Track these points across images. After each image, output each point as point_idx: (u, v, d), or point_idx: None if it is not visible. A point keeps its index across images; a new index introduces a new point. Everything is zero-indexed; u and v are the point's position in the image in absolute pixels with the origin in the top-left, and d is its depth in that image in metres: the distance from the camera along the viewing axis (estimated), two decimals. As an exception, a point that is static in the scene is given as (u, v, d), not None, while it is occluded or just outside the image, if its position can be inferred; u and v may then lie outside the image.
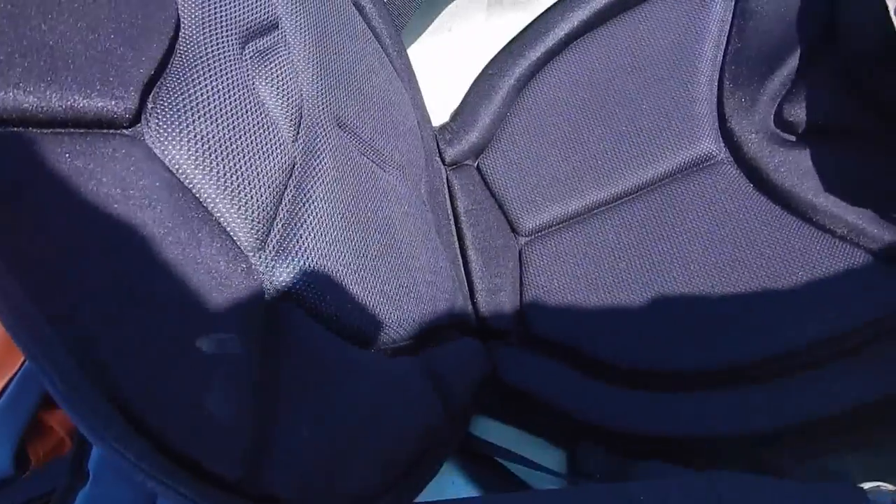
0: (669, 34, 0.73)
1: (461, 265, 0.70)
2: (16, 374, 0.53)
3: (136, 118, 0.38)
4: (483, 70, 0.80)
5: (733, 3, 0.71)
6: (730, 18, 0.71)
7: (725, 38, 0.70)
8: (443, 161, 0.77)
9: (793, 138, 0.63)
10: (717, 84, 0.69)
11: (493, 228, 0.72)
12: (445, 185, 0.75)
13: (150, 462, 0.30)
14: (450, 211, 0.74)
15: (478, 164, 0.77)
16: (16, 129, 0.33)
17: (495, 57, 0.80)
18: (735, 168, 0.66)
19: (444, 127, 0.79)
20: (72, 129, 0.35)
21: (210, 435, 0.32)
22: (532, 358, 0.66)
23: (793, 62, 0.64)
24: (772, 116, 0.65)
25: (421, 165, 0.68)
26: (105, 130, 0.36)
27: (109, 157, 0.35)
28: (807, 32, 0.64)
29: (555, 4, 0.78)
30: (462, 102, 0.79)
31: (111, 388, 0.30)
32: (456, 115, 0.79)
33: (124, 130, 0.38)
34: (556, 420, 0.63)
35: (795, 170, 0.61)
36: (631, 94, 0.72)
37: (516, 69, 0.78)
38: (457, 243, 0.72)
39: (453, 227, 0.73)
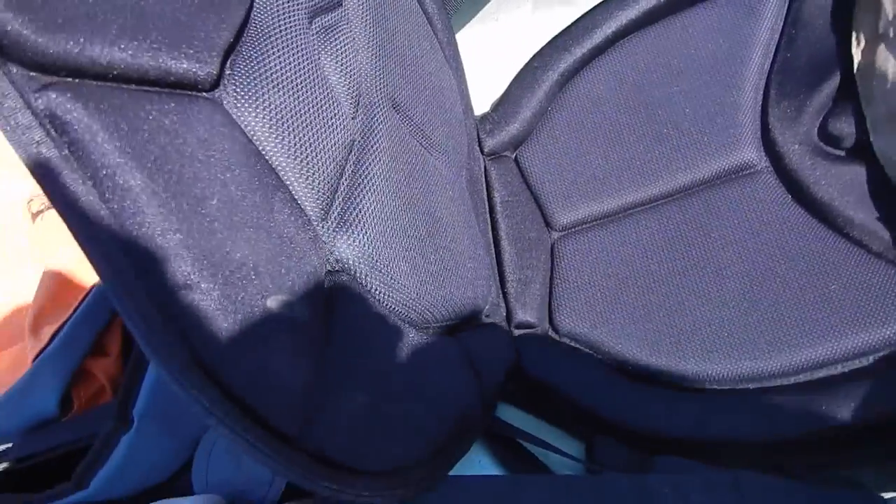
0: (718, 39, 0.74)
1: (494, 254, 0.71)
2: (67, 320, 0.54)
3: (216, 83, 0.39)
4: (528, 63, 0.80)
5: (785, 11, 0.71)
6: (780, 27, 0.71)
7: (774, 47, 0.71)
8: (482, 150, 0.78)
9: (836, 152, 0.64)
10: (762, 93, 0.70)
11: (528, 221, 0.73)
12: (483, 175, 0.76)
13: (222, 409, 0.31)
14: (486, 200, 0.75)
15: (516, 156, 0.78)
16: (108, 83, 0.34)
17: (541, 50, 0.80)
18: (775, 178, 0.67)
19: (485, 117, 0.80)
20: (159, 89, 0.36)
21: (273, 391, 0.34)
22: (557, 351, 0.67)
23: (841, 76, 0.64)
24: (816, 129, 0.66)
25: (464, 153, 0.69)
26: (189, 92, 0.38)
27: (194, 118, 0.36)
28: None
29: (603, 2, 0.79)
30: (504, 93, 0.80)
31: (190, 342, 0.32)
32: (497, 106, 0.80)
33: (201, 94, 0.39)
34: (577, 413, 0.64)
35: (836, 184, 0.62)
36: (674, 97, 0.73)
37: (561, 64, 0.78)
38: (491, 232, 0.73)
39: (488, 217, 0.74)
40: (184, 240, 0.33)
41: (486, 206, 0.74)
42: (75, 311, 0.55)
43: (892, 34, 0.60)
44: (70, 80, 0.33)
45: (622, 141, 0.73)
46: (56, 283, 0.59)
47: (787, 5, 0.71)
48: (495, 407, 0.60)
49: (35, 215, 0.71)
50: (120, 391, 0.52)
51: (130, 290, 0.31)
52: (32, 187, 0.71)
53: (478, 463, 0.58)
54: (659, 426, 0.61)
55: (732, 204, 0.67)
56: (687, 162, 0.70)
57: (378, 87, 0.55)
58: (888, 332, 0.56)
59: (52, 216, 0.71)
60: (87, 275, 0.61)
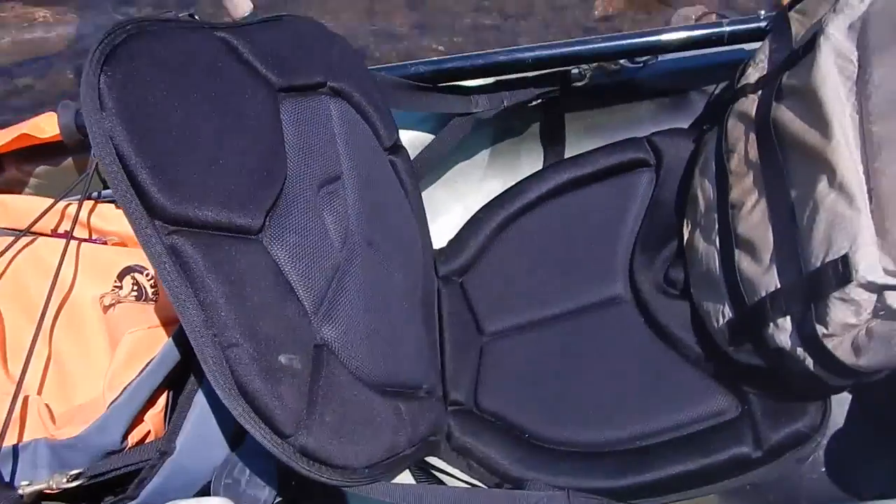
0: (606, 208, 1.04)
1: (438, 350, 0.98)
2: (132, 381, 0.79)
3: (261, 230, 0.67)
4: (475, 214, 1.10)
5: (650, 195, 1.02)
6: (646, 205, 1.02)
7: (642, 218, 1.01)
8: (437, 275, 1.06)
9: (673, 292, 0.93)
10: (631, 248, 1.00)
11: (465, 328, 1.01)
12: (436, 293, 1.04)
13: (251, 419, 0.56)
14: (436, 312, 1.02)
15: (462, 281, 1.07)
16: (204, 230, 0.62)
17: (485, 206, 1.11)
18: (635, 308, 0.95)
19: (441, 250, 1.09)
20: (228, 234, 0.64)
21: (280, 409, 0.59)
22: (479, 423, 0.92)
23: (679, 242, 0.94)
24: (662, 275, 0.95)
25: (420, 275, 0.97)
26: (244, 235, 0.65)
27: (245, 251, 0.64)
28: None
29: (529, 176, 1.10)
30: (457, 235, 1.10)
31: (235, 376, 0.57)
32: (451, 243, 1.09)
33: (252, 237, 0.67)
34: (492, 470, 0.88)
35: (671, 314, 0.91)
36: (574, 246, 1.03)
37: (498, 217, 1.08)
38: (437, 335, 1.00)
39: (437, 324, 1.01)
40: (235, 319, 0.59)
41: (436, 316, 1.01)
42: (140, 373, 0.80)
43: (702, 223, 0.91)
44: (185, 229, 0.60)
45: (536, 275, 1.02)
46: (126, 353, 0.85)
47: (651, 192, 1.02)
48: (426, 453, 0.84)
49: (105, 308, 0.96)
50: (169, 426, 0.77)
51: (206, 346, 0.57)
52: (102, 288, 0.97)
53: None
54: (556, 481, 0.85)
55: (606, 324, 0.95)
56: (578, 291, 0.99)
57: (359, 231, 0.84)
58: (693, 414, 0.83)
59: (119, 309, 0.96)
60: (147, 351, 0.86)
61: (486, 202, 1.11)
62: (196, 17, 0.90)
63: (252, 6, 0.96)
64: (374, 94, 0.93)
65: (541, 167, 1.17)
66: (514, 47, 1.02)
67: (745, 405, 0.83)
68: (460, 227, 1.10)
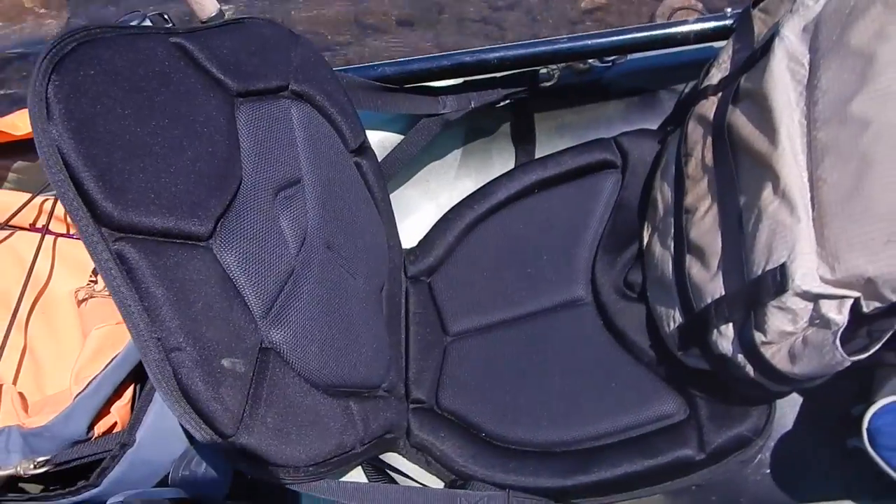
0: (572, 209, 1.05)
1: (403, 350, 1.00)
2: (98, 374, 0.82)
3: (210, 236, 0.69)
4: (444, 214, 1.12)
5: (615, 198, 1.03)
6: (611, 207, 1.03)
7: (605, 221, 1.02)
8: (406, 274, 1.08)
9: (631, 295, 0.94)
10: (594, 250, 1.01)
11: (431, 328, 1.03)
12: (403, 293, 1.05)
13: (191, 419, 0.58)
14: (403, 311, 1.04)
15: (430, 281, 1.08)
16: (150, 237, 0.64)
17: (454, 206, 1.12)
18: (594, 310, 0.97)
19: (410, 251, 1.10)
20: (175, 240, 0.66)
21: (221, 411, 0.61)
22: (438, 421, 0.94)
23: (639, 246, 0.95)
24: (622, 278, 0.96)
25: (383, 276, 0.99)
26: (193, 242, 0.67)
27: (192, 257, 0.66)
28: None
29: (500, 176, 1.11)
30: (426, 235, 1.11)
31: (177, 379, 0.59)
32: (420, 244, 1.11)
33: (200, 243, 0.68)
34: (446, 467, 0.90)
35: (628, 317, 0.92)
36: (539, 248, 1.04)
37: (466, 217, 1.10)
38: (403, 333, 1.02)
39: (403, 323, 1.03)
40: (179, 324, 0.62)
41: (402, 316, 1.03)
42: (105, 367, 0.83)
43: (660, 227, 0.91)
44: (131, 235, 0.62)
45: (500, 276, 1.04)
46: (93, 349, 0.87)
47: (616, 194, 1.03)
48: (382, 450, 0.86)
49: (79, 303, 1.00)
50: (130, 420, 0.80)
51: (150, 350, 0.59)
52: (77, 283, 1.00)
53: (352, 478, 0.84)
54: (506, 480, 0.87)
55: (566, 326, 0.97)
56: (542, 293, 1.00)
57: (318, 234, 0.86)
58: (642, 417, 0.84)
59: (91, 304, 0.99)
60: (112, 347, 0.89)
61: (458, 201, 1.13)
62: (166, 17, 0.92)
63: (219, 6, 0.97)
64: (338, 95, 0.95)
65: (513, 166, 1.18)
66: (480, 48, 1.02)
67: (693, 409, 0.84)
68: (431, 225, 1.12)
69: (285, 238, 0.79)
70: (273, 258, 0.75)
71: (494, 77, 1.08)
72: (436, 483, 0.91)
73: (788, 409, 0.93)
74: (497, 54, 1.02)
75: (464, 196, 1.13)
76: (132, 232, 0.61)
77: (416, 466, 0.91)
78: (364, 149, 1.00)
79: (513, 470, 0.85)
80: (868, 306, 0.66)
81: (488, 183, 1.11)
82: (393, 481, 0.85)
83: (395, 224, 1.08)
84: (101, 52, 0.65)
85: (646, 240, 0.95)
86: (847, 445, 0.85)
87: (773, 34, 0.82)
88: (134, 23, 0.87)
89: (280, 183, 0.82)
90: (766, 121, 0.77)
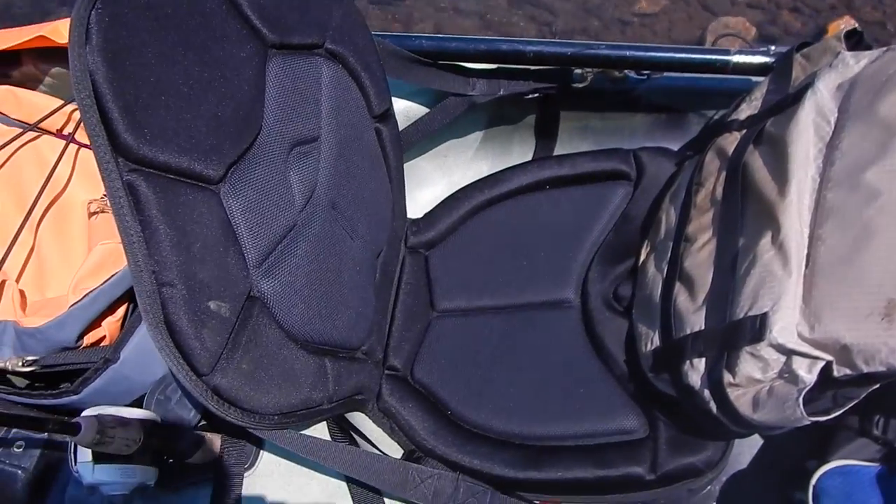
0: (578, 212, 1.07)
1: (389, 316, 1.03)
2: (96, 288, 0.85)
3: (219, 181, 0.71)
4: (454, 192, 1.14)
5: (627, 202, 1.04)
6: (616, 217, 1.04)
7: (608, 230, 1.04)
8: (406, 243, 1.10)
9: (618, 308, 0.96)
10: (591, 257, 1.03)
11: (419, 300, 1.05)
12: (399, 262, 1.08)
13: (172, 353, 0.62)
14: (396, 279, 1.07)
15: (427, 255, 1.11)
16: (163, 173, 0.66)
17: (465, 186, 1.13)
18: (579, 314, 0.99)
19: (415, 221, 1.12)
20: (185, 180, 0.68)
21: (201, 350, 0.64)
22: (409, 392, 0.97)
23: (634, 262, 0.97)
24: (612, 290, 0.98)
25: (382, 242, 1.01)
26: (202, 184, 0.70)
27: (199, 199, 0.68)
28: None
29: (515, 166, 1.13)
30: (433, 209, 1.13)
31: (165, 311, 0.62)
32: (426, 217, 1.13)
33: (211, 186, 0.71)
34: (408, 436, 0.94)
35: (610, 328, 0.94)
36: (538, 242, 1.06)
37: (475, 199, 1.11)
38: (392, 301, 1.05)
39: (394, 291, 1.06)
40: (175, 260, 0.64)
41: (394, 284, 1.06)
42: (104, 283, 0.87)
43: (658, 248, 0.93)
44: (145, 169, 0.64)
45: (496, 263, 1.06)
46: (94, 263, 0.91)
47: (624, 206, 1.04)
48: (350, 409, 0.90)
49: (90, 215, 1.02)
50: (117, 337, 0.84)
51: (144, 280, 0.62)
52: (93, 194, 1.03)
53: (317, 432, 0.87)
54: (463, 460, 0.90)
55: (548, 324, 0.99)
56: (531, 288, 1.02)
57: (325, 193, 0.88)
58: (603, 427, 0.87)
59: (101, 218, 1.03)
60: (114, 264, 0.92)
61: (472, 179, 1.14)
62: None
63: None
64: (371, 60, 0.96)
65: (530, 158, 1.19)
66: (518, 38, 1.02)
67: (653, 430, 0.87)
68: (439, 200, 1.14)
69: (292, 193, 0.81)
70: (277, 211, 0.77)
71: (528, 69, 1.09)
72: (396, 451, 0.94)
73: (746, 448, 0.95)
74: (535, 48, 1.02)
75: (477, 178, 1.14)
76: (146, 166, 0.64)
77: (381, 431, 0.95)
78: (387, 116, 1.02)
79: (469, 452, 0.88)
80: (839, 371, 0.67)
81: (503, 170, 1.12)
82: (354, 443, 0.88)
83: (404, 193, 1.10)
84: (147, -16, 0.66)
85: (642, 257, 0.96)
86: (793, 497, 0.88)
87: (808, 84, 0.82)
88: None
89: (297, 139, 0.83)
90: (780, 169, 0.78)
